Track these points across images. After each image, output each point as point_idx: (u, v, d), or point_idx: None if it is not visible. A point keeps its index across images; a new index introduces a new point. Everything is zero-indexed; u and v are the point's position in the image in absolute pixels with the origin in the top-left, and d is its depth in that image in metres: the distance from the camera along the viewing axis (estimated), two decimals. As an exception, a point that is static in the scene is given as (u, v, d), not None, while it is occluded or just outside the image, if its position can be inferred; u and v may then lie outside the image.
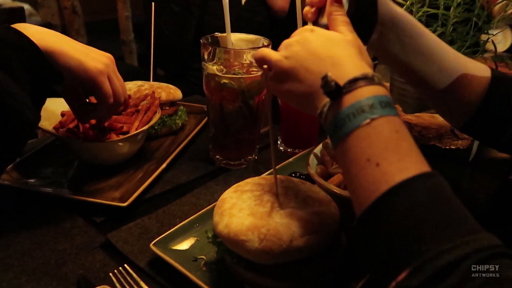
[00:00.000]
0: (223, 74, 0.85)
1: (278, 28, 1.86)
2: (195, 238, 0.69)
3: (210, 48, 0.86)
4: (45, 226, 0.73)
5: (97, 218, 0.76)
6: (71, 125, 0.84)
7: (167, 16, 1.65)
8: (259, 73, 0.85)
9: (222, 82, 0.85)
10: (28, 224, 0.73)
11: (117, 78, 0.76)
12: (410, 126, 1.02)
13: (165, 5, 1.63)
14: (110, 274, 0.60)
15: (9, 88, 0.58)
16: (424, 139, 1.05)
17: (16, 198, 0.79)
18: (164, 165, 0.90)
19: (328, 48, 0.51)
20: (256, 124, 0.93)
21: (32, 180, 0.83)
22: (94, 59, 0.71)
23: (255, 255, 0.54)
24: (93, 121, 0.83)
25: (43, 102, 0.70)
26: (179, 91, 1.11)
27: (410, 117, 1.06)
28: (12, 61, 0.60)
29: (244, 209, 0.57)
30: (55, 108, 0.89)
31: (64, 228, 0.72)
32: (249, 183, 0.64)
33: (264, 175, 0.78)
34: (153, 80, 1.11)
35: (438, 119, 1.03)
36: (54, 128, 0.83)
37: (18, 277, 0.62)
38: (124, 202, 0.76)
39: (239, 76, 0.85)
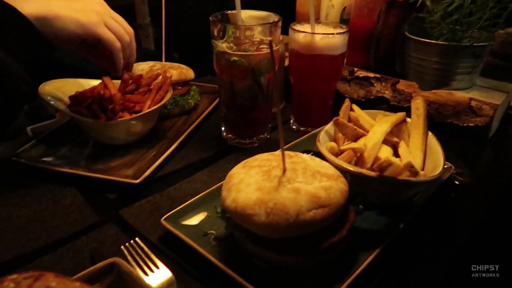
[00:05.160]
0: (233, 51, 0.84)
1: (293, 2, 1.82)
2: (205, 214, 0.69)
3: (220, 25, 0.85)
4: (60, 202, 0.75)
5: (110, 194, 0.77)
6: (83, 105, 0.85)
7: (182, 11, 1.62)
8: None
9: (232, 59, 0.84)
10: (44, 199, 0.75)
11: (114, 19, 0.74)
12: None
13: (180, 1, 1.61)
14: (122, 247, 0.62)
15: (4, 63, 0.60)
16: (441, 117, 1.02)
17: (32, 176, 0.81)
18: (176, 144, 0.91)
19: None
20: (267, 102, 0.92)
21: (48, 159, 0.85)
22: (85, 11, 0.70)
23: (262, 229, 0.54)
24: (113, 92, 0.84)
25: (42, 74, 0.71)
26: (191, 70, 1.11)
27: (427, 94, 1.03)
28: (6, 37, 0.61)
29: (251, 184, 0.57)
30: (69, 89, 0.90)
31: (75, 204, 0.75)
32: (258, 159, 0.64)
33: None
34: (167, 61, 1.11)
35: (456, 95, 1.00)
36: (67, 106, 0.85)
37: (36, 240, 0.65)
38: (136, 179, 0.77)
39: (249, 53, 0.84)
